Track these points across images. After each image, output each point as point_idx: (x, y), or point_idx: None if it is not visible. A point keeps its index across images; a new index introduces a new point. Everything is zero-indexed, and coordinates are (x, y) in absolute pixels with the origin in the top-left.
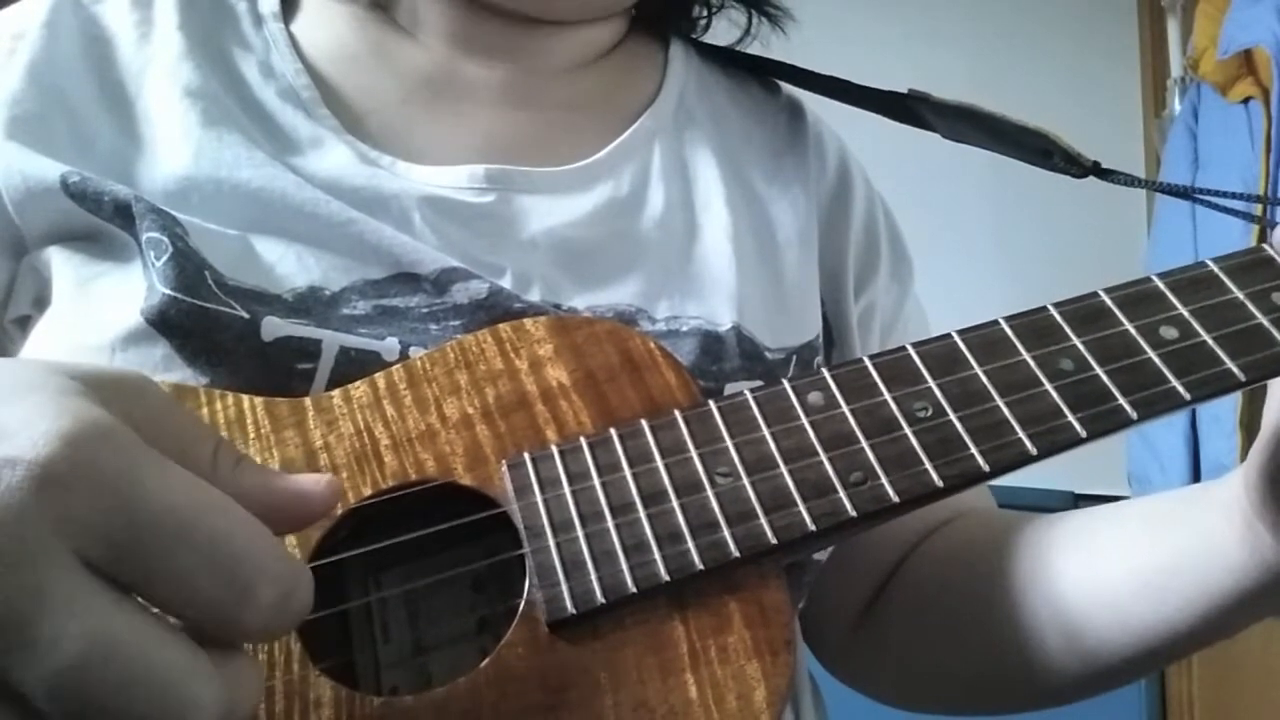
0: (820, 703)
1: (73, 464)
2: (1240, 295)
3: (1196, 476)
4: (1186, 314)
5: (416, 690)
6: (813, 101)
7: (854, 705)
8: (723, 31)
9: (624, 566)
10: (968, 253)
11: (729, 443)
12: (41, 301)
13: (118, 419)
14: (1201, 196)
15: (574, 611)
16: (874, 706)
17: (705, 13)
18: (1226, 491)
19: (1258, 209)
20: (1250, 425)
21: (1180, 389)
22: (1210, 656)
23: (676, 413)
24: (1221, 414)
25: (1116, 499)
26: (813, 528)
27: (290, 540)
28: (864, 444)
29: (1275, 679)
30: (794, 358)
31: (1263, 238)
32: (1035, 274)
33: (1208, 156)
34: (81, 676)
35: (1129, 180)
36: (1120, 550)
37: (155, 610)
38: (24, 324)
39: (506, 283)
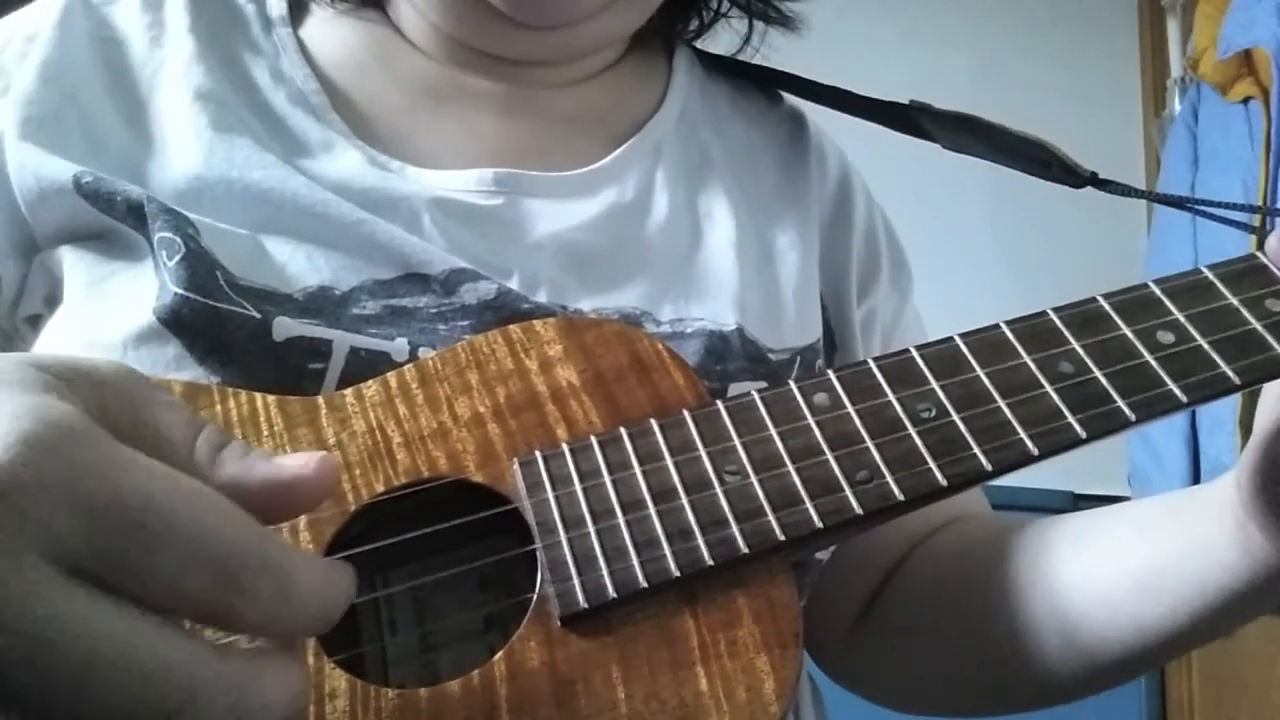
0: (820, 703)
1: (36, 468)
2: (1235, 301)
3: (1196, 477)
4: (1183, 319)
5: (425, 685)
6: (814, 111)
7: (854, 706)
8: (726, 40)
9: (635, 562)
10: (968, 260)
11: (737, 442)
12: (53, 300)
13: (86, 412)
14: (1197, 207)
15: (586, 605)
16: (875, 709)
17: (706, 20)
18: (1220, 493)
19: (1255, 218)
20: (1249, 426)
21: (1177, 392)
22: (1210, 656)
23: (685, 412)
24: (1221, 414)
25: (1116, 499)
26: (820, 525)
27: (304, 537)
28: (869, 444)
29: (1275, 679)
30: (797, 359)
31: (1260, 246)
32: (1035, 280)
33: (1207, 156)
34: (83, 679)
35: (1127, 191)
36: (1116, 551)
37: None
38: (35, 322)
39: (514, 284)
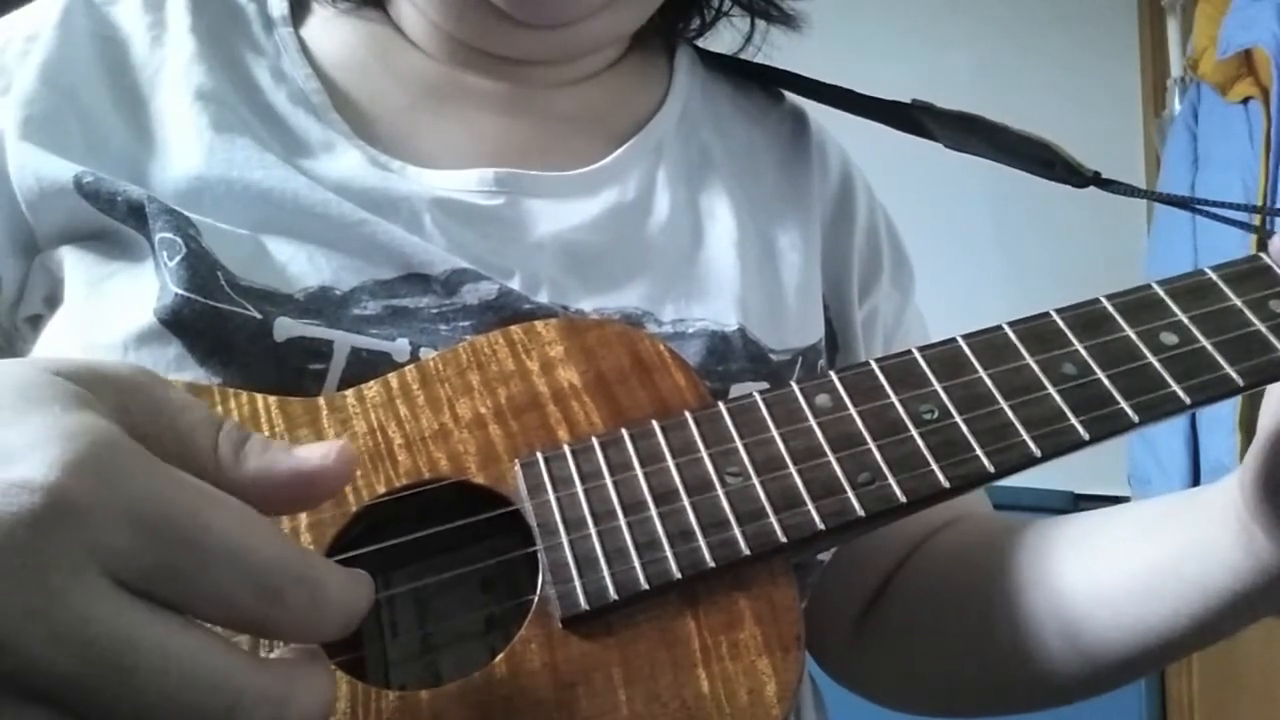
0: (821, 704)
1: (90, 489)
2: (1238, 302)
3: (1196, 478)
4: (1186, 320)
5: (426, 687)
6: (816, 110)
7: (855, 707)
8: (728, 39)
9: (636, 563)
10: (970, 260)
11: (739, 443)
12: (53, 301)
13: (119, 425)
14: (1200, 207)
15: (587, 607)
16: (876, 709)
17: (707, 19)
18: (1222, 494)
19: (1256, 218)
20: (1250, 426)
21: (1180, 393)
22: (1210, 657)
23: (687, 414)
24: (1221, 415)
25: (1117, 499)
26: (822, 526)
27: (306, 539)
28: (871, 445)
29: (1275, 679)
30: (799, 360)
31: (1261, 246)
32: (1037, 281)
33: (1207, 157)
34: (142, 689)
35: (1129, 190)
36: (1118, 552)
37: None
38: (36, 323)
39: (515, 285)
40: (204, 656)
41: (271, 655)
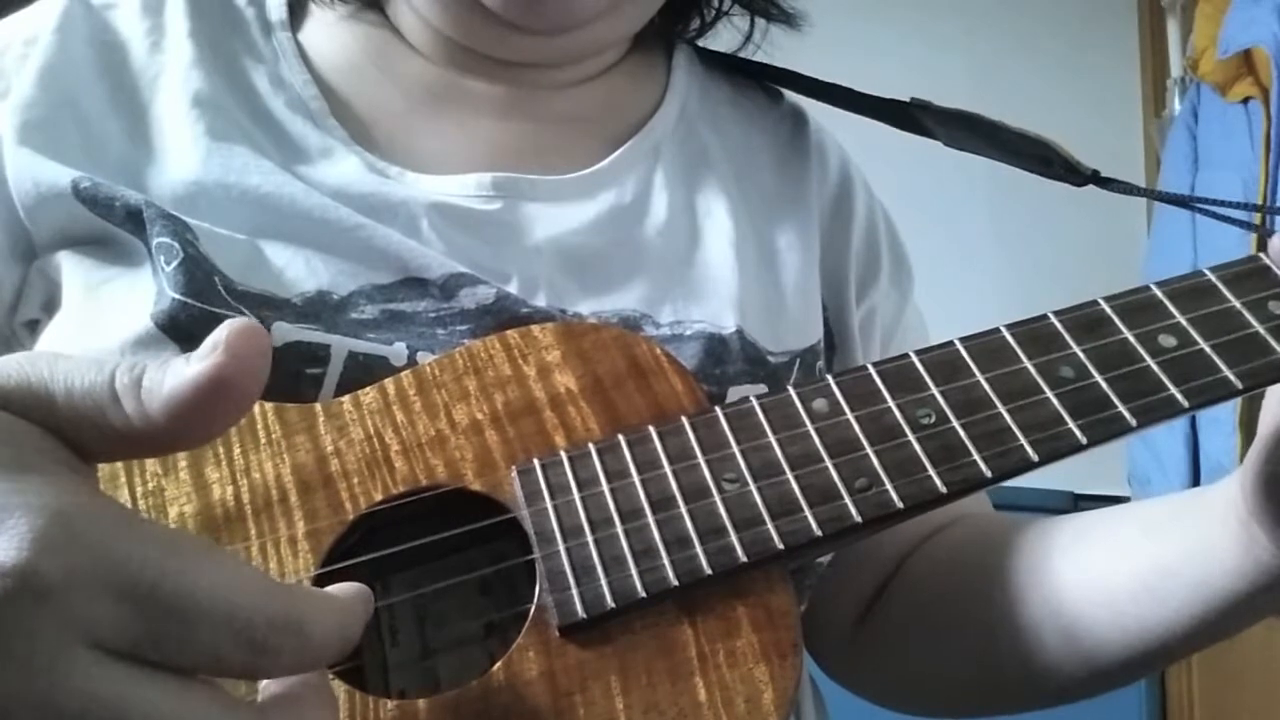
0: (821, 705)
1: (61, 565)
2: (1237, 304)
3: (1196, 478)
4: (1185, 322)
5: (425, 693)
6: (815, 109)
7: (855, 707)
8: (728, 38)
9: (633, 571)
10: (968, 260)
11: (736, 449)
12: (51, 305)
13: (62, 468)
14: (1200, 205)
15: (584, 616)
16: (876, 709)
17: (707, 18)
18: (1223, 494)
19: (1256, 217)
20: (1249, 427)
21: (1179, 396)
22: (1210, 657)
23: (684, 419)
24: (1221, 415)
25: (1116, 500)
26: (819, 533)
27: (303, 547)
28: (869, 450)
29: (1275, 679)
30: (797, 361)
31: (1260, 245)
32: (1035, 281)
33: (1207, 157)
34: None
35: (1128, 189)
36: (1118, 552)
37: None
38: (33, 327)
39: (513, 288)
40: (208, 712)
41: (270, 689)
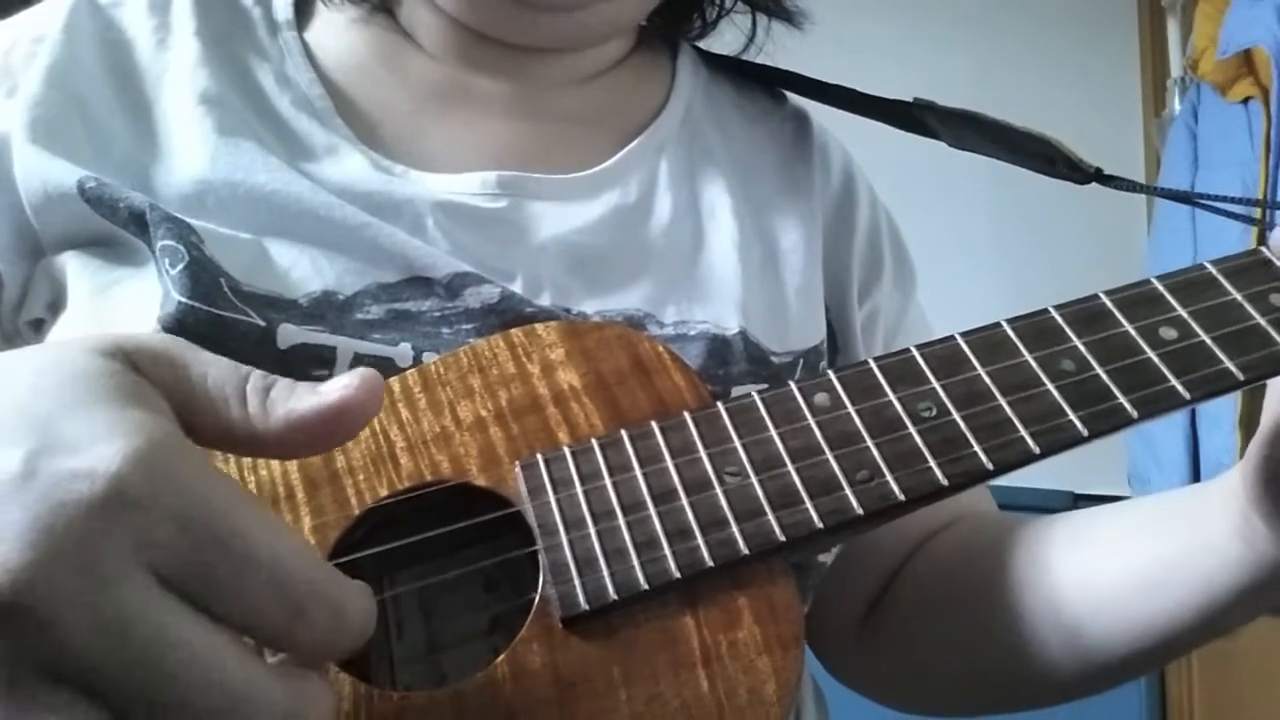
0: (822, 704)
1: (147, 485)
2: (1238, 297)
3: (1196, 476)
4: (1185, 315)
5: (431, 687)
6: (818, 111)
7: (856, 707)
8: (730, 39)
9: (636, 563)
10: (969, 256)
11: (737, 443)
12: (56, 306)
13: (165, 399)
14: (1201, 201)
15: (587, 607)
16: (877, 708)
17: (710, 18)
18: (1224, 487)
19: (1257, 212)
20: (1249, 424)
21: (1180, 388)
22: (1210, 656)
23: (685, 414)
24: (1220, 414)
25: (1116, 499)
26: (820, 525)
27: (309, 541)
28: (869, 443)
29: (1275, 679)
30: (800, 362)
31: (1261, 240)
32: (1036, 277)
33: (1207, 156)
34: (167, 686)
35: (1130, 186)
36: (1119, 547)
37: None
38: (38, 326)
39: (517, 288)
40: (230, 663)
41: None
